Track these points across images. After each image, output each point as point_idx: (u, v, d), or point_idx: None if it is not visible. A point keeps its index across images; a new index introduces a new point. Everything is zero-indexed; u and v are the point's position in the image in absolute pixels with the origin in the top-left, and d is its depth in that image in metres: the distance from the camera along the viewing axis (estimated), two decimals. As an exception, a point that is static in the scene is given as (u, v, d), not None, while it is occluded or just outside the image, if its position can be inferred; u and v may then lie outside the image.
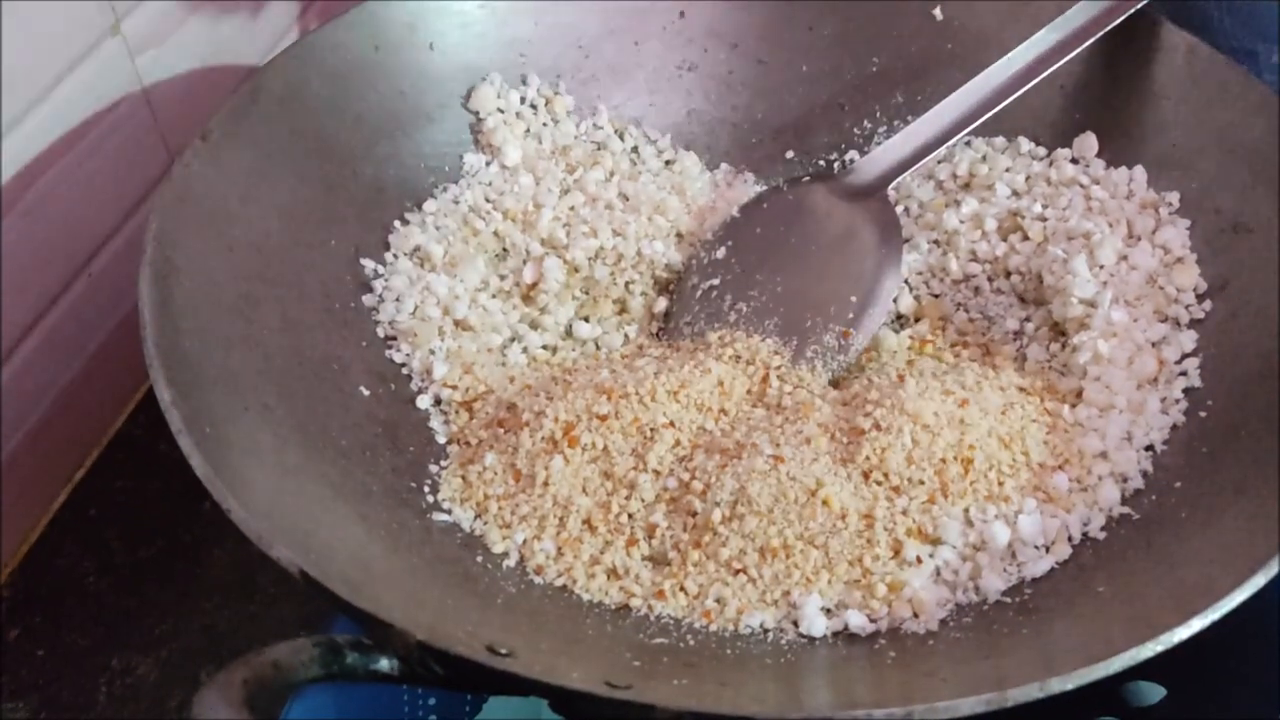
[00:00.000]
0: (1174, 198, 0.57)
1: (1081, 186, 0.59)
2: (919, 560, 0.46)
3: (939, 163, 0.62)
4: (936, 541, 0.47)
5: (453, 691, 0.46)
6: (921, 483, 0.48)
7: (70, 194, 0.54)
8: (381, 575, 0.43)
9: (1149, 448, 0.50)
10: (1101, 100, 0.60)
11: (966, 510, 0.48)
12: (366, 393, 0.52)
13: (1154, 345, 0.53)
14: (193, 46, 0.60)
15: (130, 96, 0.56)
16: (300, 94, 0.55)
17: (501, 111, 0.62)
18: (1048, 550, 0.47)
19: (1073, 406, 0.52)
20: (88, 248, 0.56)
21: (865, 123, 0.64)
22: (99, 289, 0.57)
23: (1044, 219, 0.58)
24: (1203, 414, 0.50)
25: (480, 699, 0.47)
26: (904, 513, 0.47)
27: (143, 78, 0.57)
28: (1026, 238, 0.58)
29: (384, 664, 0.37)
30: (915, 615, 0.45)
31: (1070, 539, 0.48)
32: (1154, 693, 0.46)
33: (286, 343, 0.50)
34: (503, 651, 0.38)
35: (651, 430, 0.50)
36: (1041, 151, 0.61)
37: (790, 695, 0.42)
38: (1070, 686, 0.37)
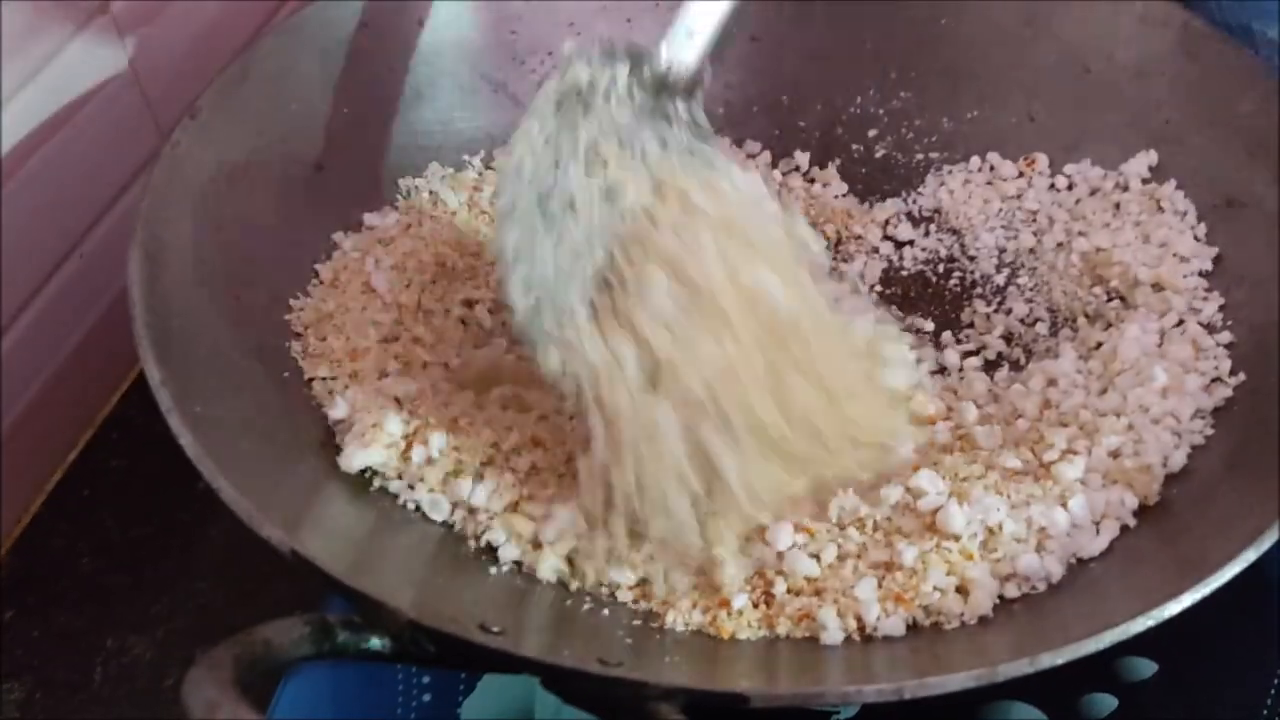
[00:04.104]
0: (1169, 174, 0.56)
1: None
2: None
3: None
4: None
5: (445, 670, 0.46)
6: None
7: (60, 174, 0.54)
8: (372, 554, 0.43)
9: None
10: (1095, 77, 0.60)
11: None
12: (358, 372, 0.52)
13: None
14: (182, 25, 0.60)
15: (120, 76, 0.56)
16: (289, 72, 0.55)
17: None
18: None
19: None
20: (79, 228, 0.56)
21: (858, 100, 0.63)
22: (91, 269, 0.57)
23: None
24: (1197, 389, 0.50)
25: (474, 677, 0.47)
26: None
27: (132, 56, 0.56)
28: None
29: (375, 642, 0.37)
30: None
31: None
32: (1146, 668, 0.46)
33: (277, 322, 0.50)
34: (494, 629, 0.38)
35: None
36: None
37: (780, 672, 0.42)
38: (1060, 662, 0.37)
